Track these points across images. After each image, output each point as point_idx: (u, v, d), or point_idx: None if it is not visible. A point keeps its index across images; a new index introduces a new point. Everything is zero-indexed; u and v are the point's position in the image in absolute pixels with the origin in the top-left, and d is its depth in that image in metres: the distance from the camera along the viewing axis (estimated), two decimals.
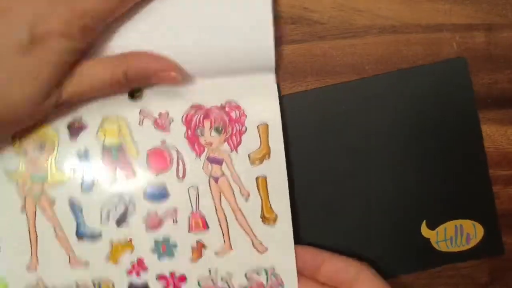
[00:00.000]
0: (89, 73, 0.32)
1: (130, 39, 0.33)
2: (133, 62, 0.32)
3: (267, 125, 0.36)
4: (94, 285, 0.35)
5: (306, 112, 0.37)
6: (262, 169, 0.36)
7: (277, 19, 0.36)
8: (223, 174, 0.36)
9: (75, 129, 0.35)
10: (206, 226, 0.36)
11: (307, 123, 0.37)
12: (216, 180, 0.36)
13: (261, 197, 0.36)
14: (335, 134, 0.37)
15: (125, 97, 0.35)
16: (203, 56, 0.34)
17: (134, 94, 0.35)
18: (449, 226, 0.37)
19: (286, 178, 0.36)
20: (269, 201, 0.36)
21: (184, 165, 0.35)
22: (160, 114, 0.35)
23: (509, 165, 0.38)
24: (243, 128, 0.36)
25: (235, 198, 0.36)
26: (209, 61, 0.34)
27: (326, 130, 0.37)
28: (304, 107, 0.37)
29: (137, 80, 0.33)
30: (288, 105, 0.36)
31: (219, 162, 0.36)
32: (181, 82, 0.34)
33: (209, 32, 0.34)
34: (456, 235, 0.37)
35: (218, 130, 0.36)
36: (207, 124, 0.36)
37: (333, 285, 0.35)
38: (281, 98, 0.36)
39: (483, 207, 0.38)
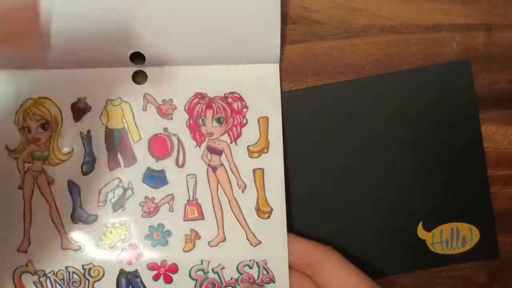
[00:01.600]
0: None
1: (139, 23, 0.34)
2: None
3: (267, 119, 0.36)
4: (84, 270, 0.35)
5: (305, 109, 0.37)
6: (260, 162, 0.36)
7: None
8: (221, 164, 0.36)
9: (79, 110, 0.36)
10: (201, 215, 0.35)
11: (305, 120, 0.37)
12: (215, 169, 0.36)
13: (257, 189, 0.36)
14: (333, 133, 0.37)
15: (129, 80, 0.36)
16: (209, 44, 0.35)
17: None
18: (445, 228, 0.37)
19: (283, 173, 0.36)
20: (265, 195, 0.36)
21: (184, 153, 0.36)
22: (163, 101, 0.36)
23: (508, 165, 0.37)
24: (244, 121, 0.36)
25: (232, 189, 0.36)
26: (215, 49, 0.35)
27: (324, 128, 0.37)
28: (303, 104, 0.37)
29: None
30: (287, 102, 0.36)
31: (218, 152, 0.36)
32: None
33: (217, 21, 0.34)
34: (452, 237, 0.37)
35: (219, 121, 0.36)
36: (209, 114, 0.36)
37: (299, 267, 0.35)
38: (281, 94, 0.36)
39: (481, 211, 0.37)
